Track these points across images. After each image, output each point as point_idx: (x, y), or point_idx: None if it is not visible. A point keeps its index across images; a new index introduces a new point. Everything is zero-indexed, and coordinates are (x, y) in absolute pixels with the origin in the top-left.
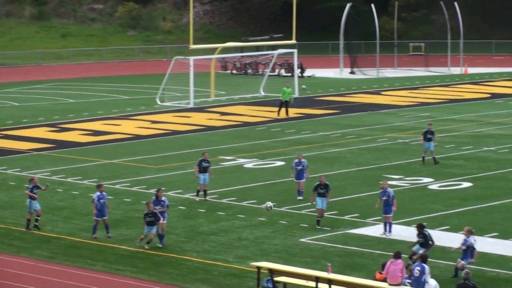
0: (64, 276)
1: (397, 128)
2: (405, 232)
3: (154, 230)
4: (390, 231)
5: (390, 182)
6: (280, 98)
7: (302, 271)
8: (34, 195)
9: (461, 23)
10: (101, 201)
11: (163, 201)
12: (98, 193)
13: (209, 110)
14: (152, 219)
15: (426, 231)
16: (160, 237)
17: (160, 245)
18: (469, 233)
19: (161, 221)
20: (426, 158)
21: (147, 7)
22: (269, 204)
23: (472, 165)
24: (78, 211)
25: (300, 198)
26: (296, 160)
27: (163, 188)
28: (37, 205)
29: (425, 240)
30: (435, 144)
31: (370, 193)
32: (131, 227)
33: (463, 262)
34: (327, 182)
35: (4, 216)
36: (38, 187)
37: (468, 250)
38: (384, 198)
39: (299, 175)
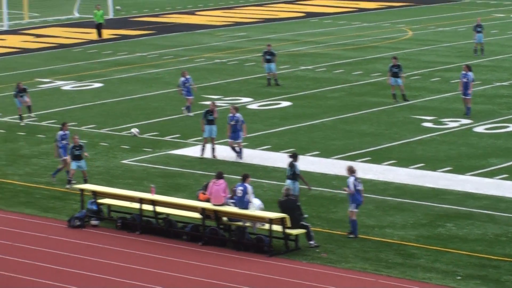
0: None
1: (213, 48)
2: (226, 152)
3: (84, 164)
4: (240, 157)
5: (208, 103)
6: (94, 21)
7: (126, 193)
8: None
9: None
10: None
11: None
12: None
13: (23, 33)
14: (79, 152)
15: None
16: None
17: None
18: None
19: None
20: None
21: None
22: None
23: (290, 84)
24: None
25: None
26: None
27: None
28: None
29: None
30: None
31: (191, 114)
32: None
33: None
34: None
35: None
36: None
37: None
38: (232, 123)
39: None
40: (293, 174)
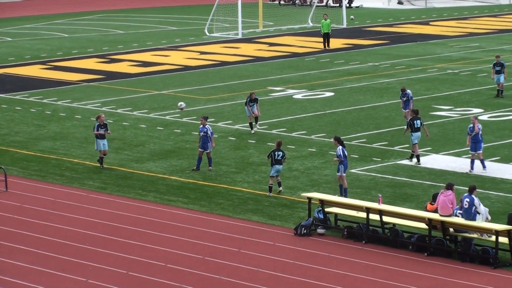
0: (115, 206)
1: (446, 59)
2: (455, 163)
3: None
4: (484, 167)
5: (439, 113)
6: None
7: (353, 202)
8: (101, 132)
9: None
10: (201, 134)
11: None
12: (201, 126)
13: (257, 41)
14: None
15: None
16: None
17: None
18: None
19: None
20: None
21: None
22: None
23: None
24: (128, 142)
25: None
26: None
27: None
28: (100, 145)
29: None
30: (505, 76)
31: None
32: (181, 158)
33: None
34: None
35: (55, 147)
36: (105, 126)
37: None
38: (473, 134)
39: None
40: None
